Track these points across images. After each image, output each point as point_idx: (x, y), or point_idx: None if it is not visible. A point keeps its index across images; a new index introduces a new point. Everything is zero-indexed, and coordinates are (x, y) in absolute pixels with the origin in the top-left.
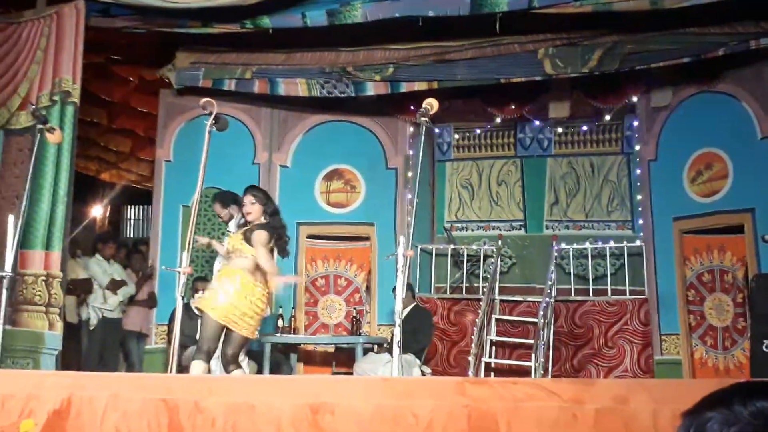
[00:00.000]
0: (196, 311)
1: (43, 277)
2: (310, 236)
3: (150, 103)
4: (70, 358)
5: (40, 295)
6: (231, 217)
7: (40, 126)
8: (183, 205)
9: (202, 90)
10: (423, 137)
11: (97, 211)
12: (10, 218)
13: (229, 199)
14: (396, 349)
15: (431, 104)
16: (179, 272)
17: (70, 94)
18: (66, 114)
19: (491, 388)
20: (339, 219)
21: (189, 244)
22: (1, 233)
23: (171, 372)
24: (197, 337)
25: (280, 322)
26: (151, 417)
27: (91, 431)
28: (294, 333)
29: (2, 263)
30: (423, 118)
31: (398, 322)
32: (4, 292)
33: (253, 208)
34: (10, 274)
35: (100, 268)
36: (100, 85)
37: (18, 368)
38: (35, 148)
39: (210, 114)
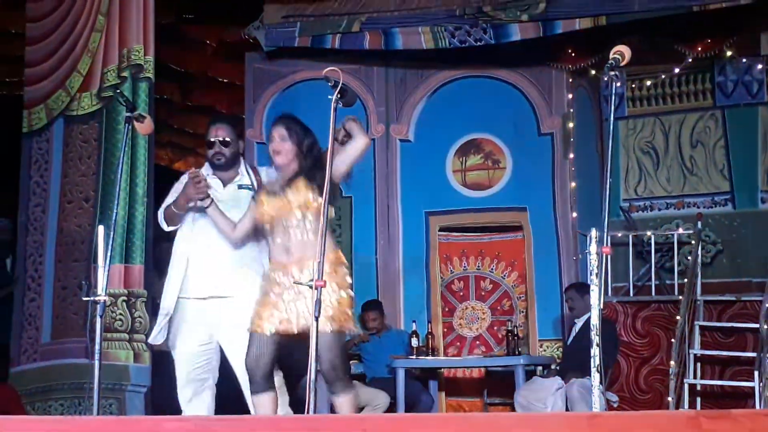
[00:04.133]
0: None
1: (124, 297)
2: (443, 229)
3: (233, 72)
4: (162, 396)
5: (121, 320)
6: None
7: (128, 114)
8: None
9: (298, 50)
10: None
11: None
12: (100, 230)
13: None
14: (596, 376)
15: (622, 53)
16: (311, 286)
17: (142, 68)
18: (139, 93)
19: (736, 422)
20: (479, 204)
21: (320, 251)
22: (70, 244)
23: (310, 411)
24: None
25: (414, 341)
26: None
27: None
28: (433, 354)
29: (89, 284)
30: (612, 73)
31: (596, 340)
32: (99, 320)
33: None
34: (105, 297)
35: None
36: (169, 52)
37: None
38: (124, 141)
39: (335, 86)
